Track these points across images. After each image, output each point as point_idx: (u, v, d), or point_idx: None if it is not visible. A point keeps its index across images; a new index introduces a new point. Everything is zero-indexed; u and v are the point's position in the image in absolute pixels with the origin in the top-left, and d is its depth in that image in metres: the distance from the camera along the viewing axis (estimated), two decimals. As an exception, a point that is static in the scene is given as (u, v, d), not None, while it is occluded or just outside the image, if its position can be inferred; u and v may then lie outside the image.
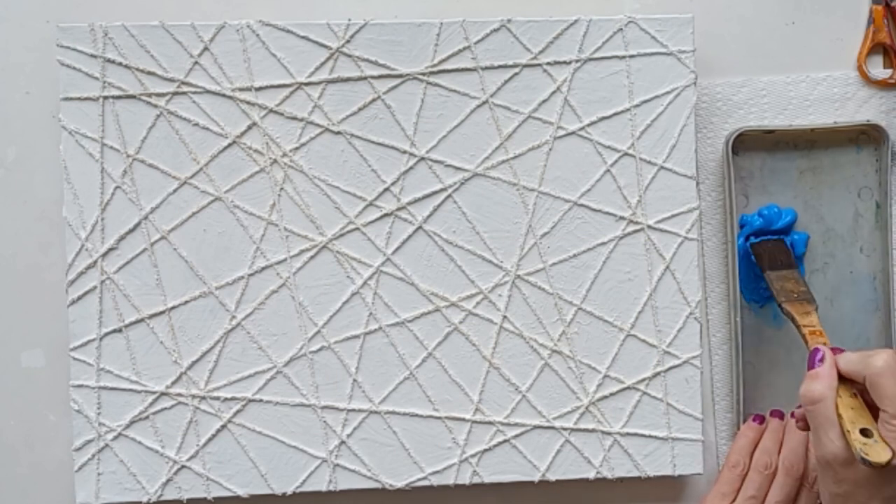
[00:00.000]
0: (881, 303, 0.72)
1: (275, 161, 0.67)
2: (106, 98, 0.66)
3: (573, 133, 0.68)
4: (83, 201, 0.66)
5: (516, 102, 0.68)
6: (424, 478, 0.68)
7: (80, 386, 0.66)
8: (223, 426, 0.67)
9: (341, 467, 0.67)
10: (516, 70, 0.67)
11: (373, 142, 0.67)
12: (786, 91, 0.72)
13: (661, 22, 0.68)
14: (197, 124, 0.67)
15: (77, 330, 0.66)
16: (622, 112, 0.68)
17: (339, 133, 0.67)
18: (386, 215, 0.67)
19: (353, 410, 0.67)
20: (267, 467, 0.67)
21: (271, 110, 0.67)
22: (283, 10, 0.70)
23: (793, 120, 0.72)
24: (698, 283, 0.69)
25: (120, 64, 0.66)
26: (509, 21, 0.67)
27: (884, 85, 0.72)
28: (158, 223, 0.67)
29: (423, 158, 0.67)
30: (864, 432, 0.55)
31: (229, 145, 0.67)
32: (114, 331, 0.67)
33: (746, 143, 0.71)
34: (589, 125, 0.68)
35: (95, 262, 0.66)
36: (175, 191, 0.67)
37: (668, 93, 0.68)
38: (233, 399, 0.67)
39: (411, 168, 0.67)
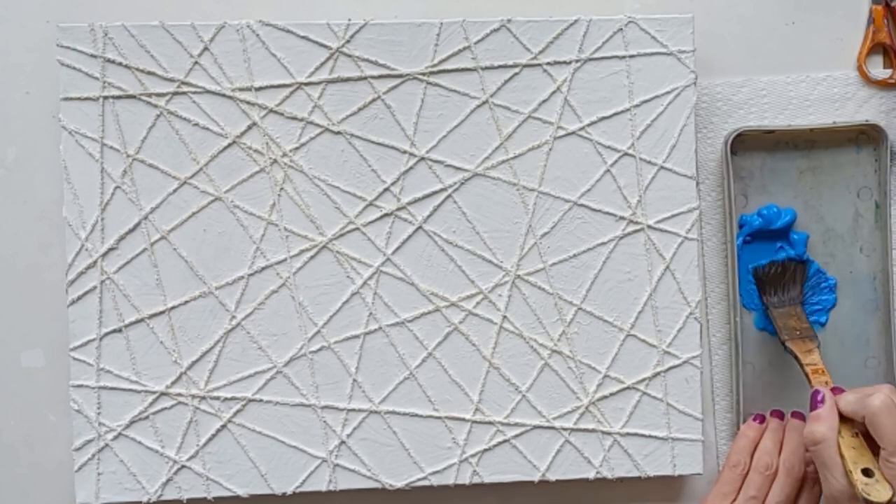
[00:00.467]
0: (881, 303, 0.72)
1: (275, 161, 0.67)
2: (106, 98, 0.66)
3: (573, 133, 0.68)
4: (83, 201, 0.66)
5: (516, 102, 0.68)
6: (424, 478, 0.68)
7: (80, 386, 0.66)
8: (223, 426, 0.67)
9: (341, 467, 0.67)
10: (516, 70, 0.67)
11: (373, 142, 0.67)
12: (786, 91, 0.72)
13: (661, 22, 0.68)
14: (197, 124, 0.67)
15: (77, 330, 0.66)
16: (622, 112, 0.68)
17: (339, 133, 0.67)
18: (386, 215, 0.67)
19: (353, 410, 0.68)
20: (267, 467, 0.67)
21: (271, 110, 0.67)
22: (283, 10, 0.70)
23: (793, 120, 0.72)
24: (698, 283, 0.69)
25: (120, 64, 0.66)
26: (509, 21, 0.67)
27: (884, 85, 0.72)
28: (158, 223, 0.67)
29: (423, 158, 0.67)
30: (866, 472, 0.57)
31: (229, 145, 0.67)
32: (114, 331, 0.67)
33: (746, 143, 0.71)
34: (589, 125, 0.68)
35: (95, 262, 0.66)
36: (175, 191, 0.67)
37: (668, 93, 0.68)
38: (233, 399, 0.67)
39: (411, 168, 0.67)
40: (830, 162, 0.72)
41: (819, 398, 0.62)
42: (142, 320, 0.67)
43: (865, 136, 0.72)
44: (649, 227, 0.68)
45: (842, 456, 0.58)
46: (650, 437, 0.68)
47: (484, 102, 0.67)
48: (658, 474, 0.68)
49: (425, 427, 0.68)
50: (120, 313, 0.67)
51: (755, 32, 0.72)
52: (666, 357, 0.68)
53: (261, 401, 0.67)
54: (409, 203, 0.67)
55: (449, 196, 0.68)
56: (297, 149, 0.67)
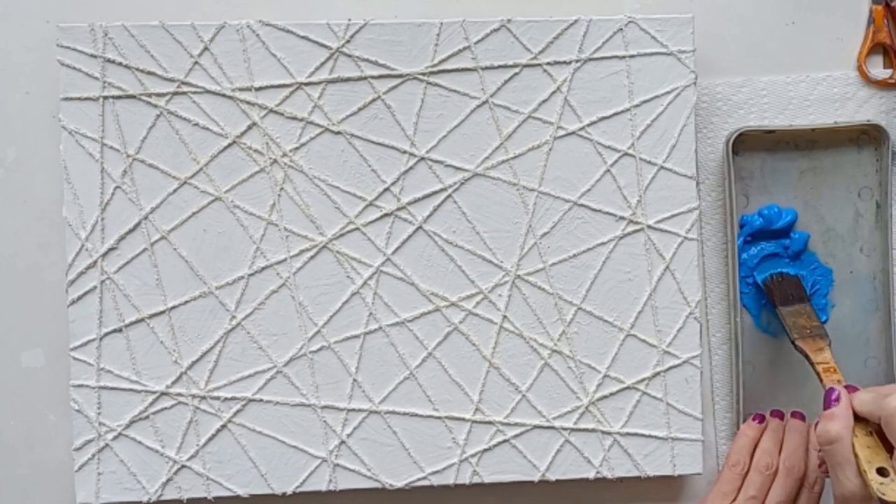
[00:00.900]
0: (881, 303, 0.72)
1: (275, 161, 0.67)
2: (106, 98, 0.66)
3: (573, 133, 0.68)
4: (83, 201, 0.66)
5: (516, 102, 0.68)
6: (424, 478, 0.68)
7: (80, 386, 0.67)
8: (223, 426, 0.67)
9: (341, 467, 0.67)
10: (516, 70, 0.67)
11: (373, 142, 0.67)
12: (786, 91, 0.72)
13: (661, 22, 0.68)
14: (197, 124, 0.67)
15: (77, 330, 0.66)
16: (622, 112, 0.68)
17: (339, 133, 0.67)
18: (386, 215, 0.67)
19: (353, 410, 0.68)
20: (267, 467, 0.67)
21: (271, 110, 0.67)
22: (283, 10, 0.70)
23: (793, 120, 0.72)
24: (698, 283, 0.69)
25: (120, 64, 0.66)
26: (509, 21, 0.67)
27: (884, 85, 0.72)
28: (158, 223, 0.67)
29: (423, 158, 0.67)
30: (881, 471, 0.56)
31: (229, 145, 0.67)
32: (114, 331, 0.67)
33: (747, 143, 0.71)
34: (589, 125, 0.68)
35: (95, 262, 0.66)
36: (175, 191, 0.67)
37: (668, 93, 0.68)
38: (233, 399, 0.67)
39: (411, 168, 0.67)
40: (831, 162, 0.72)
41: (834, 396, 0.60)
42: (142, 320, 0.67)
43: (866, 136, 0.72)
44: (649, 227, 0.68)
45: (855, 455, 0.57)
46: (650, 436, 0.68)
47: (484, 102, 0.67)
48: (658, 474, 0.68)
49: (425, 427, 0.68)
50: (120, 313, 0.67)
51: (755, 32, 0.72)
52: (666, 357, 0.68)
53: (261, 401, 0.67)
54: (409, 203, 0.67)
55: (449, 196, 0.68)
56: (297, 149, 0.67)
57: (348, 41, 0.67)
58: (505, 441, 0.68)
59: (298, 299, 0.67)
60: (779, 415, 0.69)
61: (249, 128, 0.67)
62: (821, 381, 0.64)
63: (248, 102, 0.67)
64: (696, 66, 0.69)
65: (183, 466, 0.67)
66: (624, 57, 0.68)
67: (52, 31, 0.67)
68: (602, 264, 0.68)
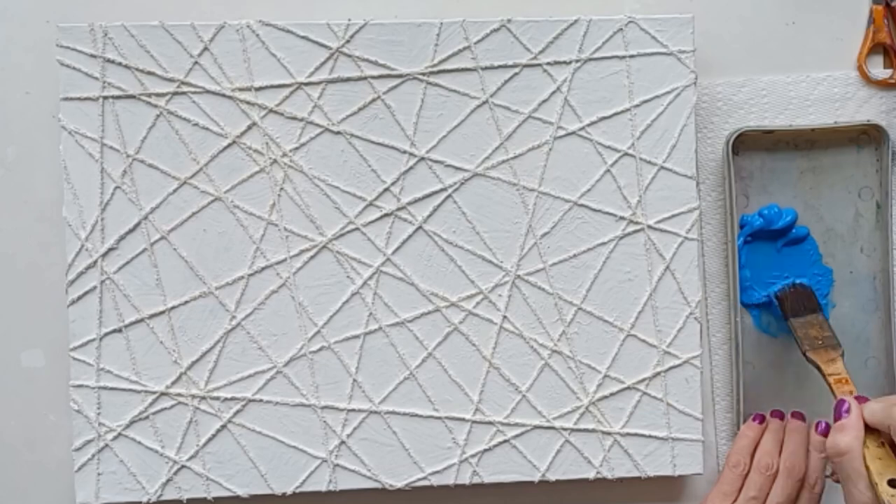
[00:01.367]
0: (881, 303, 0.72)
1: (275, 161, 0.67)
2: (106, 98, 0.66)
3: (573, 133, 0.68)
4: (83, 201, 0.66)
5: (516, 102, 0.68)
6: (424, 478, 0.68)
7: (80, 386, 0.67)
8: (223, 426, 0.67)
9: (341, 467, 0.67)
10: (516, 70, 0.67)
11: (373, 142, 0.67)
12: (786, 91, 0.72)
13: (661, 22, 0.68)
14: (197, 124, 0.67)
15: (77, 330, 0.66)
16: (622, 112, 0.68)
17: (339, 133, 0.67)
18: (386, 215, 0.67)
19: (353, 410, 0.68)
20: (267, 467, 0.67)
21: (271, 110, 0.67)
22: (283, 10, 0.70)
23: (793, 120, 0.72)
24: (698, 284, 0.69)
25: (120, 64, 0.66)
26: (509, 21, 0.67)
27: (884, 85, 0.72)
28: (158, 223, 0.67)
29: (423, 158, 0.67)
30: (892, 483, 0.56)
31: (229, 145, 0.67)
32: (114, 331, 0.67)
33: (746, 143, 0.71)
34: (589, 125, 0.68)
35: (95, 262, 0.66)
36: (175, 191, 0.67)
37: (668, 93, 0.68)
38: (233, 399, 0.67)
39: (411, 168, 0.67)
40: (831, 162, 0.72)
41: (844, 408, 0.60)
42: (142, 320, 0.67)
43: (866, 136, 0.72)
44: (649, 227, 0.68)
45: (867, 467, 0.57)
46: (650, 437, 0.68)
47: (484, 102, 0.67)
48: (658, 474, 0.68)
49: (425, 427, 0.68)
50: (120, 313, 0.67)
51: (755, 32, 0.72)
52: (666, 357, 0.68)
53: (261, 401, 0.67)
54: (409, 203, 0.67)
55: (449, 196, 0.68)
56: (297, 149, 0.67)
57: (348, 41, 0.67)
58: (505, 441, 0.68)
59: (298, 299, 0.67)
60: (779, 415, 0.69)
61: (249, 128, 0.67)
62: (833, 393, 0.63)
63: (247, 102, 0.67)
64: (696, 66, 0.69)
65: (183, 466, 0.67)
66: (624, 57, 0.68)
67: (52, 31, 0.67)
68: (602, 264, 0.68)
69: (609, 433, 0.68)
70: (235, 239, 0.67)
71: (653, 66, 0.68)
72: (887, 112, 0.72)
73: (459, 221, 0.68)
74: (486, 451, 0.68)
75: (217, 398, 0.67)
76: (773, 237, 0.71)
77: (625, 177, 0.68)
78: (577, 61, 0.68)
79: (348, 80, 0.67)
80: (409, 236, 0.68)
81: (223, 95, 0.67)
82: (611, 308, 0.68)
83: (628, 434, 0.68)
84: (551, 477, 0.68)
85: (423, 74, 0.67)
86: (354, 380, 0.67)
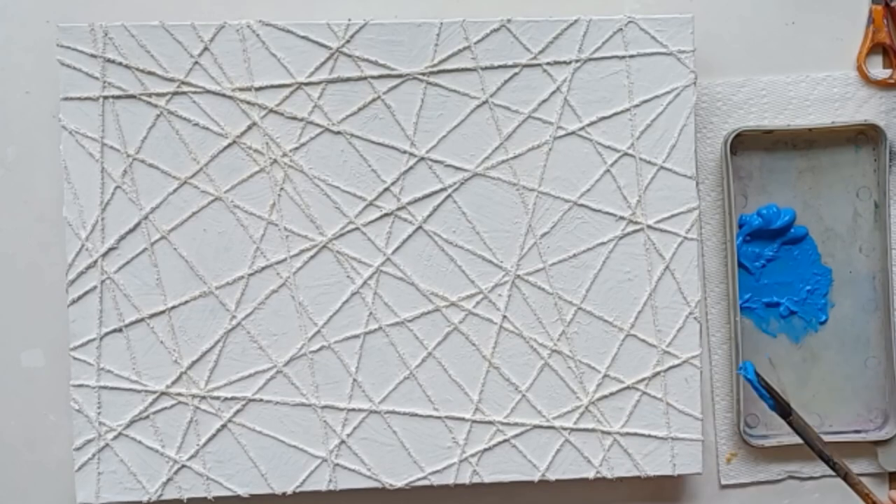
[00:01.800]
0: (881, 302, 0.72)
1: (275, 161, 0.67)
2: (106, 98, 0.66)
3: (573, 133, 0.68)
4: (83, 201, 0.66)
5: (516, 102, 0.68)
6: (424, 477, 0.68)
7: (81, 386, 0.66)
8: (223, 426, 0.67)
9: (341, 467, 0.67)
10: (516, 70, 0.67)
11: (373, 142, 0.67)
12: (786, 91, 0.72)
13: (660, 22, 0.68)
14: (197, 124, 0.67)
15: (77, 330, 0.66)
16: (622, 112, 0.68)
17: (339, 133, 0.67)
18: (386, 215, 0.68)
19: (353, 410, 0.68)
20: (267, 467, 0.67)
21: (271, 110, 0.67)
22: (283, 10, 0.70)
23: (793, 120, 0.72)
24: (698, 283, 0.69)
25: (120, 64, 0.66)
26: (509, 21, 0.67)
27: (883, 85, 0.72)
28: (158, 223, 0.67)
29: (423, 158, 0.67)
30: None
31: (229, 145, 0.67)
32: (114, 330, 0.67)
33: (745, 143, 0.71)
34: (589, 125, 0.68)
35: (95, 262, 0.66)
36: (175, 191, 0.67)
37: (667, 93, 0.68)
38: (233, 399, 0.67)
39: (411, 168, 0.67)
40: (829, 162, 0.72)
41: None
42: (142, 320, 0.67)
43: (864, 136, 0.72)
44: (649, 227, 0.68)
45: None
46: (650, 436, 0.68)
47: (484, 102, 0.67)
48: (658, 474, 0.69)
49: (425, 427, 0.68)
50: (120, 313, 0.67)
51: (755, 32, 0.72)
52: (666, 357, 0.68)
53: (261, 400, 0.67)
54: (409, 203, 0.68)
55: (449, 196, 0.68)
56: (297, 149, 0.67)
57: (348, 41, 0.67)
58: (505, 441, 0.68)
59: (298, 299, 0.67)
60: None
61: (249, 128, 0.67)
62: (857, 490, 0.62)
63: (248, 102, 0.67)
64: (696, 66, 0.69)
65: (183, 466, 0.67)
66: (624, 57, 0.68)
67: (52, 31, 0.67)
68: (602, 264, 0.68)
69: (609, 433, 0.68)
70: (235, 239, 0.67)
71: (652, 66, 0.68)
72: (887, 112, 0.72)
73: (459, 221, 0.68)
74: (485, 450, 0.68)
75: (217, 398, 0.67)
76: (772, 237, 0.72)
77: (624, 177, 0.68)
78: (576, 61, 0.68)
79: (348, 80, 0.67)
80: (409, 236, 0.68)
81: (223, 95, 0.67)
82: (610, 308, 0.68)
83: (628, 434, 0.68)
84: (551, 476, 0.68)
85: (423, 74, 0.67)
86: (354, 379, 0.68)
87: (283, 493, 0.67)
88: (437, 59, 0.67)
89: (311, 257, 0.67)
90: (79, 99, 0.66)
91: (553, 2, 0.71)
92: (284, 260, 0.67)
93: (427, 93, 0.67)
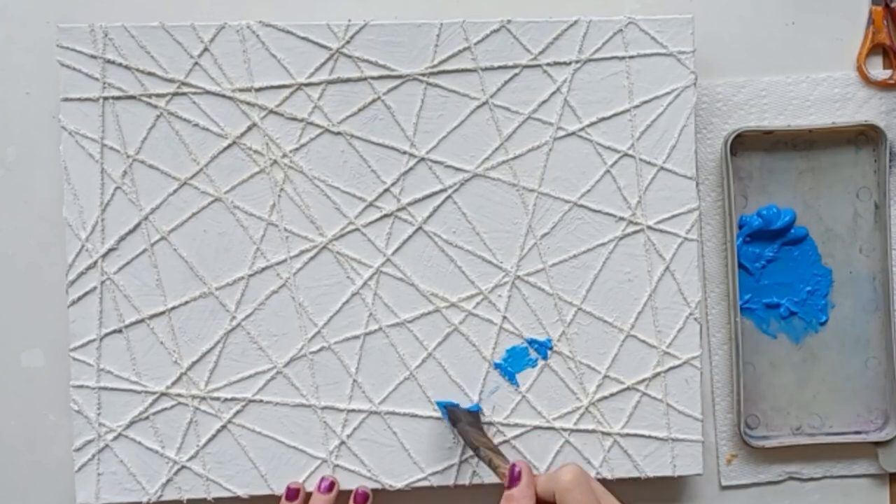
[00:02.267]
0: (881, 303, 0.72)
1: (275, 162, 0.67)
2: (106, 99, 0.66)
3: (573, 134, 0.68)
4: (83, 201, 0.66)
5: (516, 103, 0.68)
6: (424, 478, 0.68)
7: (80, 386, 0.67)
8: (223, 426, 0.67)
9: (341, 467, 0.67)
10: (516, 71, 0.68)
11: (373, 142, 0.67)
12: (786, 91, 0.72)
13: (660, 23, 0.68)
14: (197, 125, 0.67)
15: (77, 330, 0.66)
16: (622, 113, 0.68)
17: (339, 134, 0.67)
18: (386, 216, 0.68)
19: (353, 411, 0.68)
20: (267, 467, 0.67)
21: (271, 111, 0.67)
22: (283, 11, 0.70)
23: (793, 120, 0.72)
24: (698, 284, 0.69)
25: (120, 64, 0.66)
26: (509, 22, 0.67)
27: (883, 85, 0.72)
28: (158, 223, 0.67)
29: (423, 159, 0.67)
30: None
31: (229, 146, 0.67)
32: (114, 331, 0.67)
33: (745, 144, 0.71)
34: (589, 126, 0.68)
35: (95, 262, 0.66)
36: (175, 191, 0.67)
37: (667, 93, 0.68)
38: (233, 399, 0.67)
39: (411, 169, 0.67)
40: (829, 162, 0.72)
41: (515, 474, 0.57)
42: (142, 321, 0.67)
43: (864, 137, 0.72)
44: (649, 227, 0.68)
45: None
46: (650, 437, 0.68)
47: (484, 103, 0.68)
48: (658, 475, 0.69)
49: (425, 427, 0.68)
50: (120, 314, 0.67)
51: (755, 32, 0.72)
52: (666, 357, 0.68)
53: (261, 401, 0.67)
54: (409, 204, 0.68)
55: (449, 197, 0.68)
56: (297, 149, 0.67)
57: (348, 42, 0.67)
58: (505, 441, 0.68)
59: (298, 300, 0.67)
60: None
61: (249, 128, 0.67)
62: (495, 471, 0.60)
63: (248, 103, 0.67)
64: (696, 67, 0.69)
65: (183, 467, 0.67)
66: (624, 58, 0.68)
67: (52, 31, 0.67)
68: (602, 265, 0.68)
69: (609, 434, 0.68)
70: (235, 239, 0.67)
71: (652, 67, 0.68)
72: (887, 112, 0.72)
73: (459, 222, 0.68)
74: (486, 451, 0.68)
75: (217, 398, 0.67)
76: (772, 237, 0.72)
77: (624, 177, 0.68)
78: (576, 62, 0.68)
79: (348, 80, 0.67)
80: (409, 237, 0.68)
81: (223, 96, 0.67)
82: (611, 308, 0.68)
83: (628, 434, 0.68)
84: (551, 477, 0.68)
85: (423, 75, 0.67)
86: (354, 380, 0.68)
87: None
88: (437, 60, 0.67)
89: (311, 258, 0.67)
90: (79, 99, 0.66)
91: (553, 2, 0.71)
92: (284, 261, 0.67)
93: (427, 93, 0.67)
